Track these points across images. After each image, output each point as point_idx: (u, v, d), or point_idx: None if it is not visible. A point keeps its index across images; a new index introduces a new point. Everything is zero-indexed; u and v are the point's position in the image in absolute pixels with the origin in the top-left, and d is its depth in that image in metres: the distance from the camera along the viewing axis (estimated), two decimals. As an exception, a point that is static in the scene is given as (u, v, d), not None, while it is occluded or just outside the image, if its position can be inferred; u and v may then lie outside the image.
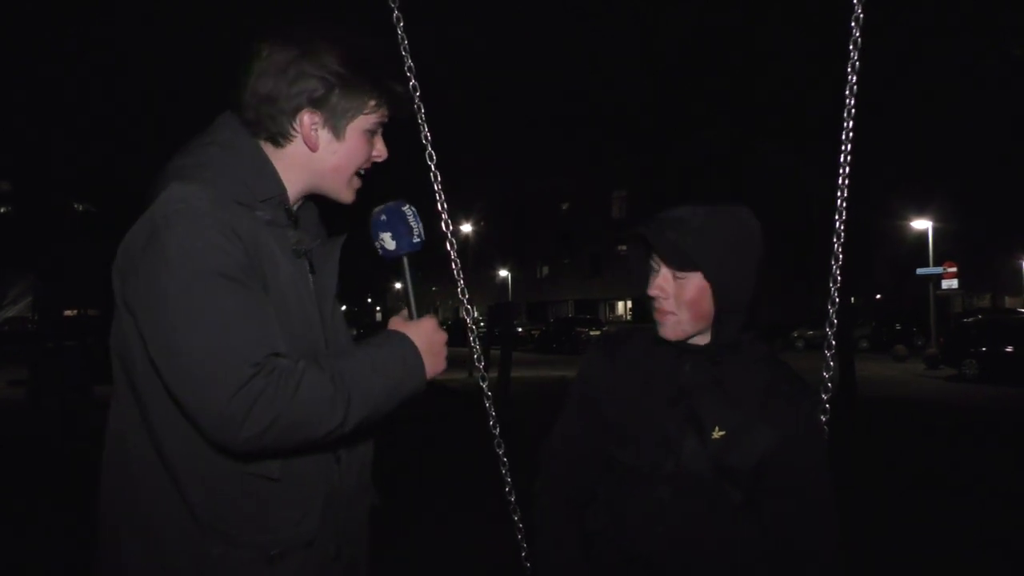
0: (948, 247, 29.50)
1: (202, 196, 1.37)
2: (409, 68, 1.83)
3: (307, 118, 1.47)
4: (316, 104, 1.47)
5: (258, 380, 1.25)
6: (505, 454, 2.07)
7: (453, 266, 1.94)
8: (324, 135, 1.50)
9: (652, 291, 1.68)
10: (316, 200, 1.63)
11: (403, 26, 1.86)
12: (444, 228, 1.93)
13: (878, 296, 39.00)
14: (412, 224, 1.60)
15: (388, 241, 1.59)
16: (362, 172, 1.58)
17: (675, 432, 1.65)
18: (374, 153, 1.57)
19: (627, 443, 1.71)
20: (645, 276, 1.72)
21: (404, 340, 1.47)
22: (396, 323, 1.55)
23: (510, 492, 2.05)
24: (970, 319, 22.74)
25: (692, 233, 1.60)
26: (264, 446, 1.28)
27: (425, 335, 1.51)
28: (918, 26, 13.54)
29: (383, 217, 1.59)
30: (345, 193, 1.57)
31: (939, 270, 26.98)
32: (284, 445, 1.31)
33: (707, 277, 1.61)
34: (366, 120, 1.52)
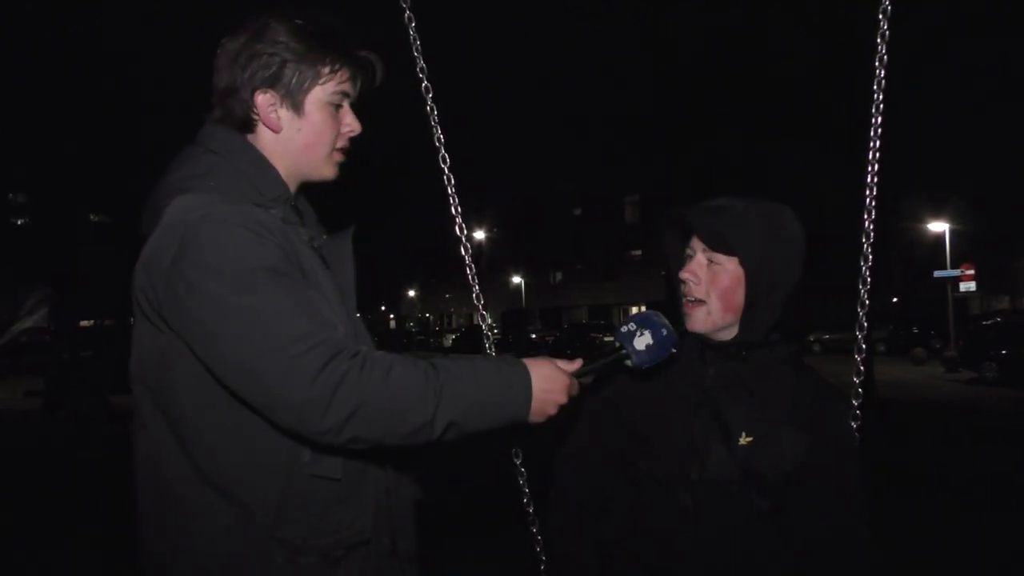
0: (965, 249, 29.25)
1: (218, 201, 1.35)
2: (421, 69, 1.79)
3: (261, 99, 1.44)
4: (270, 82, 1.44)
5: (340, 361, 1.21)
6: (522, 464, 2.02)
7: (468, 271, 1.90)
8: (284, 114, 1.47)
9: (684, 274, 1.64)
10: (311, 195, 1.60)
11: (415, 26, 1.82)
12: (458, 232, 1.89)
13: (895, 299, 38.74)
14: (665, 353, 1.54)
15: (642, 345, 1.52)
16: (340, 148, 1.53)
17: (700, 438, 1.60)
18: (344, 129, 1.52)
19: (649, 449, 1.66)
20: (680, 264, 1.67)
21: (518, 366, 1.40)
22: (531, 360, 1.45)
23: (528, 503, 2.01)
24: (989, 321, 22.51)
25: (733, 218, 1.57)
26: (349, 436, 1.23)
27: (544, 374, 1.42)
28: (935, 25, 13.45)
29: (663, 332, 1.53)
30: (326, 170, 1.53)
31: (956, 272, 26.75)
32: (368, 435, 1.25)
33: (743, 263, 1.57)
34: (324, 90, 1.47)
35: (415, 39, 1.81)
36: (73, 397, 14.13)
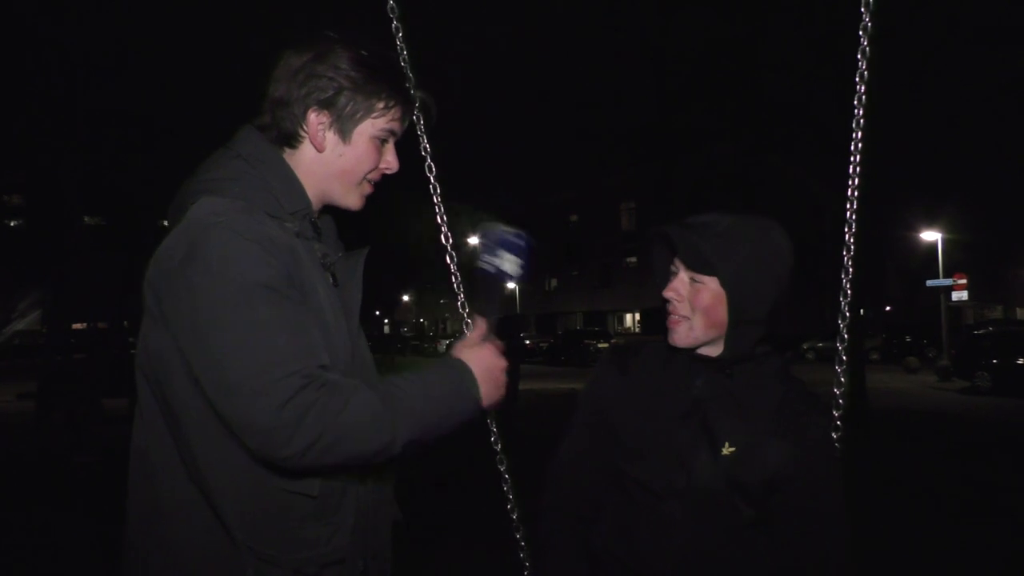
0: (959, 258, 29.36)
1: (237, 208, 1.37)
2: (409, 80, 1.80)
3: (314, 117, 1.47)
4: (324, 105, 1.47)
5: (309, 392, 1.23)
6: (511, 471, 2.03)
7: (453, 280, 1.92)
8: (331, 137, 1.49)
9: (667, 292, 1.66)
10: (332, 213, 1.62)
11: (401, 36, 1.84)
12: (444, 241, 1.91)
13: (888, 308, 38.84)
14: (527, 245, 1.58)
15: (511, 266, 1.56)
16: (371, 180, 1.56)
17: (687, 447, 1.62)
18: (382, 164, 1.55)
19: (637, 458, 1.68)
20: (667, 280, 1.69)
21: (461, 366, 1.44)
22: (458, 348, 1.50)
23: (512, 510, 2.01)
24: (982, 331, 22.58)
25: (714, 237, 1.58)
26: (311, 462, 1.25)
27: (484, 361, 1.46)
28: (930, 35, 13.52)
29: (522, 242, 1.57)
30: (353, 198, 1.55)
31: (949, 282, 26.81)
32: (329, 462, 1.27)
33: (722, 283, 1.58)
34: (374, 125, 1.50)
35: (402, 48, 1.83)
36: (67, 400, 14.09)
